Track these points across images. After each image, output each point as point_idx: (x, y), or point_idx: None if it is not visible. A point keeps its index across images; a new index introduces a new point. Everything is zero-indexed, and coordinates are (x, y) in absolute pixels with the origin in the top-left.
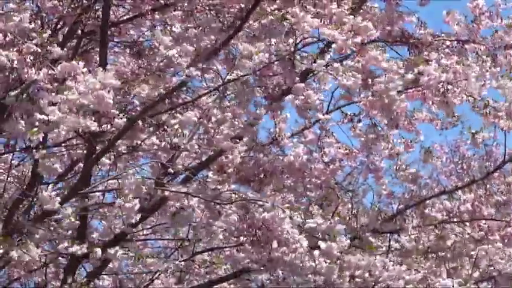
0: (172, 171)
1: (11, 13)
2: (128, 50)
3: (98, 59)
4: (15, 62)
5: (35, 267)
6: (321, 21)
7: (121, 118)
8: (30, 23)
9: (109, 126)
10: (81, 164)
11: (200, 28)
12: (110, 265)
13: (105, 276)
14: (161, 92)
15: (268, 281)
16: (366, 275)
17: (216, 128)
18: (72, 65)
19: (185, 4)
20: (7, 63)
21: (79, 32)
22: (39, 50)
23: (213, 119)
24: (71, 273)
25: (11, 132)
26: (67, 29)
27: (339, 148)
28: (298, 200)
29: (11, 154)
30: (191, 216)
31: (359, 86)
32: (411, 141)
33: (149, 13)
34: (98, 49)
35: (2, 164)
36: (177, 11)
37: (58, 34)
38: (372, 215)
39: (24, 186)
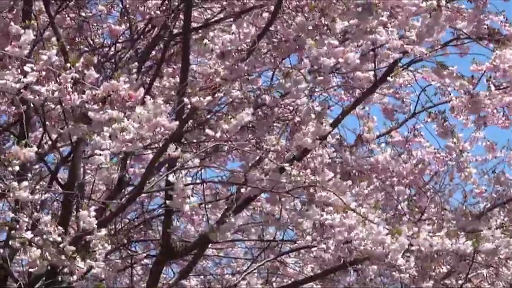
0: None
1: (40, 51)
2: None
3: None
4: (56, 93)
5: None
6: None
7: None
8: (120, 24)
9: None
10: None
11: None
12: (198, 266)
13: (192, 277)
14: (247, 93)
15: (355, 281)
16: None
17: (302, 127)
18: (113, 85)
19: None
20: (48, 95)
21: (167, 34)
22: (77, 76)
23: (297, 118)
24: (157, 275)
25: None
26: (154, 32)
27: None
28: (387, 201)
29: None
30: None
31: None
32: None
33: (237, 15)
34: None
35: (89, 165)
36: (265, 12)
37: (147, 37)
38: (459, 214)
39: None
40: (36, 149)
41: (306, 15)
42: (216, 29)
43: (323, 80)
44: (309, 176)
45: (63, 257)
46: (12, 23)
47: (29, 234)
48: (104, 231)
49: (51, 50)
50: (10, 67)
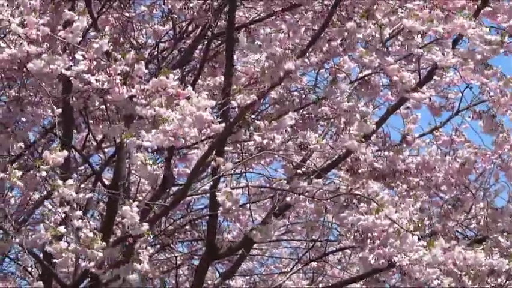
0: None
1: (92, 40)
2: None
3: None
4: (106, 84)
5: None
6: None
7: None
8: (163, 24)
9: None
10: None
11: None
12: (243, 266)
13: (237, 277)
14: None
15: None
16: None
17: (344, 127)
18: (161, 81)
19: (316, 4)
20: (98, 85)
21: (209, 34)
22: (127, 69)
23: (342, 119)
24: (202, 275)
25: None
26: (198, 30)
27: (470, 148)
28: (431, 200)
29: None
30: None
31: None
32: None
33: (280, 14)
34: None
35: (134, 166)
36: (308, 11)
37: (190, 36)
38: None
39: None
40: (66, 154)
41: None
42: (261, 28)
43: (370, 92)
44: (351, 183)
45: (92, 251)
46: (65, 10)
47: (62, 229)
48: (146, 225)
49: (104, 39)
50: (61, 53)
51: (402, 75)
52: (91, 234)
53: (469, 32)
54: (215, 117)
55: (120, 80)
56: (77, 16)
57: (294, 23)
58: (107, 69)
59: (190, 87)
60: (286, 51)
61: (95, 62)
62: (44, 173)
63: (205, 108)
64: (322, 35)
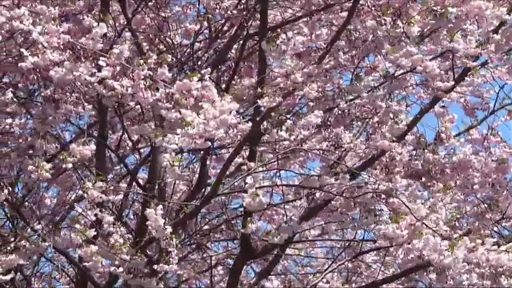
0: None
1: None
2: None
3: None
4: (130, 89)
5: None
6: None
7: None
8: (196, 24)
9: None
10: None
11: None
12: (278, 266)
13: (273, 277)
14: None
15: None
16: None
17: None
18: (185, 83)
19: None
20: (122, 90)
21: (244, 33)
22: (150, 73)
23: (376, 118)
24: (237, 275)
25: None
26: (233, 30)
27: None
28: (466, 199)
29: (180, 155)
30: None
31: None
32: None
33: (314, 14)
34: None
35: None
36: (343, 11)
37: (225, 35)
38: None
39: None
40: (94, 148)
41: (383, 19)
42: (293, 29)
43: (399, 84)
44: (381, 182)
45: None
46: (86, 17)
47: (92, 232)
48: (170, 228)
49: (124, 45)
50: (84, 60)
51: (426, 64)
52: (121, 240)
53: (487, 14)
54: (241, 118)
55: (144, 84)
56: (96, 23)
57: (315, 24)
58: (131, 74)
59: (214, 90)
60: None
61: (118, 68)
62: (70, 165)
63: (230, 111)
64: (357, 35)
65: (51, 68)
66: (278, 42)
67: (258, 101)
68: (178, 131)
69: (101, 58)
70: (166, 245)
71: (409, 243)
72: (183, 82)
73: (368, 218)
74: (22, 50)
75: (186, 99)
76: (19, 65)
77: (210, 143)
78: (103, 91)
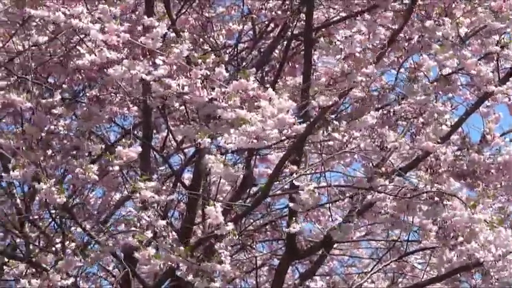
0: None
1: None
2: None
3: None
4: (186, 87)
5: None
6: None
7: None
8: (239, 24)
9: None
10: None
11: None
12: (323, 266)
13: (317, 277)
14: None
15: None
16: None
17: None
18: (242, 83)
19: (396, 4)
20: (178, 89)
21: (288, 34)
22: (207, 73)
23: (421, 119)
24: (282, 275)
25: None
26: (277, 30)
27: None
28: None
29: (223, 155)
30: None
31: None
32: None
33: (359, 14)
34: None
35: None
36: (388, 11)
37: (269, 36)
38: None
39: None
40: (140, 149)
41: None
42: (340, 29)
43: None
44: (433, 183)
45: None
46: (145, 17)
47: (149, 234)
48: (231, 225)
49: (184, 44)
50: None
51: (479, 69)
52: (174, 244)
53: None
54: (295, 118)
55: (201, 83)
56: (157, 22)
57: (373, 23)
58: (188, 73)
59: (270, 89)
60: (365, 51)
61: (174, 67)
62: (116, 167)
63: (287, 110)
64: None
65: (107, 67)
66: (335, 40)
67: (312, 100)
68: (232, 130)
69: (159, 57)
70: (227, 242)
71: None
72: (239, 81)
73: (438, 208)
74: (79, 47)
75: (241, 98)
76: (77, 62)
77: (266, 142)
78: (160, 89)
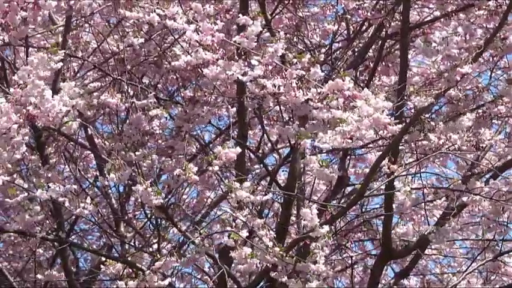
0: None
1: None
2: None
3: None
4: (282, 88)
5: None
6: None
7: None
8: (334, 24)
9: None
10: None
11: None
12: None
13: (412, 277)
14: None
15: None
16: None
17: None
18: (338, 83)
19: (491, 3)
20: (273, 90)
21: (383, 33)
22: (303, 73)
23: None
24: (377, 275)
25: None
26: (371, 30)
27: None
28: None
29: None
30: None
31: None
32: None
33: (454, 13)
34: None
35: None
36: (481, 10)
37: (363, 36)
38: None
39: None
40: (239, 150)
41: None
42: (436, 30)
43: None
44: None
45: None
46: (240, 15)
47: (244, 233)
48: (326, 227)
49: (278, 43)
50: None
51: None
52: (270, 244)
53: None
54: (391, 119)
55: (296, 83)
56: (251, 21)
57: (470, 24)
58: (283, 73)
59: (366, 89)
60: (462, 51)
61: (270, 67)
62: (216, 168)
63: (382, 110)
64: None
65: (201, 67)
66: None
67: (407, 101)
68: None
69: (254, 57)
70: (323, 244)
71: None
72: (335, 81)
73: None
74: (174, 48)
75: (337, 98)
76: (172, 63)
77: (360, 142)
78: (256, 90)
